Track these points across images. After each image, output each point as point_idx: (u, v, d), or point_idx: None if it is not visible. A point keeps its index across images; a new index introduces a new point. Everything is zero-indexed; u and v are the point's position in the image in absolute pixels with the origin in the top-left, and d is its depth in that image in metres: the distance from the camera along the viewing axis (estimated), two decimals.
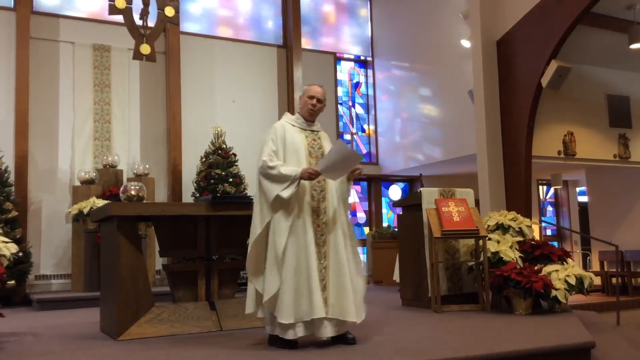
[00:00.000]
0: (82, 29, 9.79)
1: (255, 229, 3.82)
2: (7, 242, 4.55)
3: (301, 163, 3.84)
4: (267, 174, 3.76)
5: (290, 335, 3.68)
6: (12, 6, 9.34)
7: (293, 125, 3.98)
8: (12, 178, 8.54)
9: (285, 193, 3.70)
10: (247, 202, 4.74)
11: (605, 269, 10.43)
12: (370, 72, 12.67)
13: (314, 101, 3.99)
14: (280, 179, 3.72)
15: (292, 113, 4.16)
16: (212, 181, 9.30)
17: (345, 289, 3.76)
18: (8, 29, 9.20)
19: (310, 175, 3.74)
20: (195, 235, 4.93)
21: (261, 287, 3.76)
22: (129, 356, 3.67)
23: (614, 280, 9.98)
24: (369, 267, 10.86)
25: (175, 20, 8.51)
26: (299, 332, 3.69)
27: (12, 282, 7.50)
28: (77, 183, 9.10)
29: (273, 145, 3.85)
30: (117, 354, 3.77)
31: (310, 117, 4.02)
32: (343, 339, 3.84)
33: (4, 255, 4.43)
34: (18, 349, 4.08)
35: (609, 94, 9.97)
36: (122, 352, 3.81)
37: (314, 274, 3.69)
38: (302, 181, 3.77)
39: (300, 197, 3.79)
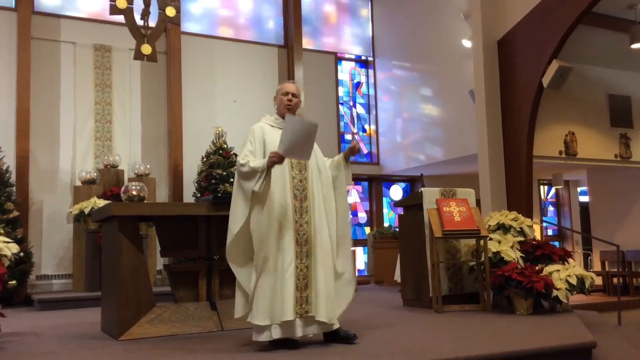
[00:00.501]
0: (83, 29, 9.80)
1: (231, 231, 3.80)
2: (8, 242, 4.55)
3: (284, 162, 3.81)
4: (240, 172, 3.78)
5: (265, 337, 3.68)
6: (14, 6, 9.35)
7: (272, 126, 4.00)
8: (13, 178, 8.55)
9: (257, 186, 3.67)
10: None
11: (607, 269, 10.43)
12: (371, 72, 12.67)
13: (289, 96, 4.02)
14: (251, 173, 3.71)
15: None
16: (213, 181, 9.30)
17: (322, 289, 3.76)
18: (9, 29, 9.20)
19: (273, 160, 3.67)
20: (196, 235, 4.93)
21: (248, 289, 3.78)
22: (130, 356, 3.67)
23: (615, 280, 9.98)
24: (370, 267, 10.87)
25: (176, 21, 8.52)
26: (275, 333, 3.68)
27: (14, 282, 7.47)
28: (78, 183, 9.11)
29: (250, 146, 3.88)
30: (118, 354, 3.77)
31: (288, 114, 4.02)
32: (344, 338, 3.84)
33: (5, 256, 4.44)
34: (19, 349, 4.09)
35: (610, 93, 9.97)
36: (123, 352, 3.81)
37: (288, 276, 3.69)
38: (285, 181, 3.81)
39: (281, 196, 3.81)
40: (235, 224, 3.80)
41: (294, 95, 4.04)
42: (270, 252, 3.72)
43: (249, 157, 3.83)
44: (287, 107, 4.02)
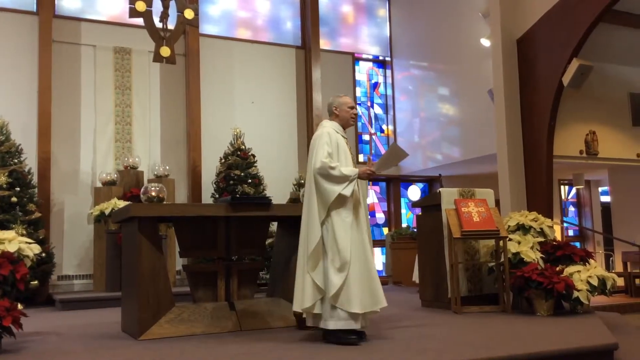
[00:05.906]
0: (103, 32, 9.90)
1: (314, 230, 3.98)
2: (30, 243, 4.61)
3: (349, 165, 4.18)
4: (329, 174, 4.01)
5: (358, 325, 3.89)
6: (35, 10, 9.48)
7: (337, 132, 4.28)
8: (35, 180, 8.66)
9: (347, 191, 4.00)
10: (266, 203, 4.77)
11: (629, 270, 10.28)
12: (388, 72, 12.63)
13: (355, 110, 4.39)
14: (342, 178, 4.01)
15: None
16: (231, 182, 9.35)
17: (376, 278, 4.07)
18: (31, 32, 9.33)
19: (369, 176, 4.19)
20: (214, 236, 4.96)
21: (321, 282, 3.94)
22: (150, 355, 3.70)
23: (637, 281, 9.84)
24: (388, 268, 10.84)
25: (194, 23, 8.57)
26: (363, 322, 3.97)
27: (35, 282, 7.60)
28: (99, 184, 9.21)
29: (328, 148, 4.13)
30: (138, 353, 3.81)
31: (349, 125, 4.40)
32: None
33: (28, 256, 4.50)
34: (41, 348, 4.14)
35: (632, 92, 9.83)
36: (143, 352, 3.84)
37: (373, 266, 4.05)
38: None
39: (356, 196, 4.12)
40: (317, 225, 3.98)
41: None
42: (356, 246, 3.98)
43: (333, 160, 4.08)
44: (352, 120, 4.38)
